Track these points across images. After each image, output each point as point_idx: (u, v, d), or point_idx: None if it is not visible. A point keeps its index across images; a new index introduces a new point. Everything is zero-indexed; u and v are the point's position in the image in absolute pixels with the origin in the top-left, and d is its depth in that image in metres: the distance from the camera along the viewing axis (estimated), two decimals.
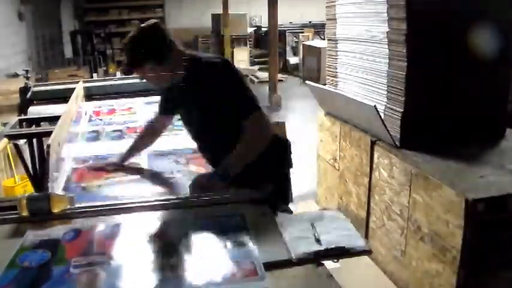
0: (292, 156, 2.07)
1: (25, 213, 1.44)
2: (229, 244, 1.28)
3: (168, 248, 1.28)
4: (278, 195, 1.77)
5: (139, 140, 2.21)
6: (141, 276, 1.16)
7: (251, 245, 1.27)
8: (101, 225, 1.41)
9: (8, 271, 1.18)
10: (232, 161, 1.75)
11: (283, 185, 2.04)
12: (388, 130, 2.64)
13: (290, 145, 2.07)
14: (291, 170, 2.09)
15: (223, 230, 1.37)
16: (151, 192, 1.81)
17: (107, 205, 1.52)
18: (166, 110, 2.17)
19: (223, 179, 1.72)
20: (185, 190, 1.77)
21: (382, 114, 2.75)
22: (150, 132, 2.24)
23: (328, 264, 1.27)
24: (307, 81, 3.69)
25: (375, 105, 2.61)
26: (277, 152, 2.00)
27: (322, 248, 1.24)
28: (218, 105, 1.80)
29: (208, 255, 1.24)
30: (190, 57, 1.89)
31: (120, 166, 2.08)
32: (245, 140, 1.77)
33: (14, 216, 1.46)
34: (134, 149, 2.17)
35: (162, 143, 2.35)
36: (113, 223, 1.42)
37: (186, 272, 1.16)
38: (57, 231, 1.38)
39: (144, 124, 2.33)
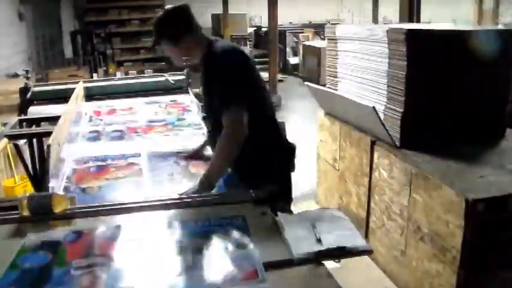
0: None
1: (26, 213, 1.44)
2: (230, 246, 1.28)
3: (168, 250, 1.28)
4: (281, 197, 1.78)
5: None
6: (141, 278, 1.16)
7: (252, 247, 1.26)
8: (101, 227, 1.41)
9: (9, 273, 1.18)
10: (211, 165, 1.80)
11: (286, 187, 2.04)
12: (387, 130, 2.64)
13: (295, 148, 2.08)
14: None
15: (224, 231, 1.37)
16: (151, 194, 1.80)
17: (108, 205, 1.53)
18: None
19: (206, 189, 1.73)
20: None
21: (382, 114, 2.75)
22: None
23: (328, 264, 1.26)
24: (306, 83, 3.69)
25: (373, 106, 2.61)
26: (284, 155, 2.03)
27: (323, 247, 1.24)
28: (213, 94, 1.88)
29: (208, 257, 1.24)
30: (210, 44, 1.96)
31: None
32: (222, 140, 1.79)
33: (15, 216, 1.46)
34: None
35: (162, 143, 2.35)
36: (114, 225, 1.42)
37: (186, 274, 1.16)
38: (58, 233, 1.38)
39: None
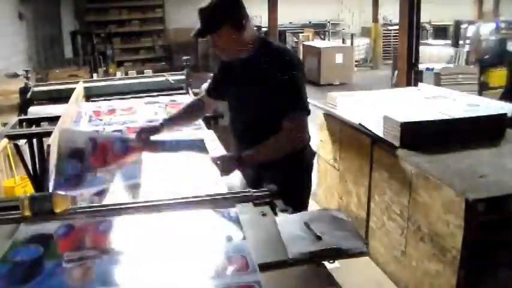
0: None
1: (27, 213, 1.44)
2: (220, 238, 1.28)
3: (160, 243, 1.28)
4: (299, 202, 1.84)
5: (183, 114, 2.24)
6: (132, 270, 1.16)
7: (242, 239, 1.27)
8: (93, 221, 1.40)
9: (0, 266, 1.18)
10: (257, 151, 1.83)
11: (305, 192, 2.07)
12: (382, 137, 2.64)
13: (315, 154, 2.14)
14: None
15: (215, 224, 1.37)
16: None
17: (109, 205, 1.53)
18: (217, 92, 2.15)
19: (240, 165, 1.80)
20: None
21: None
22: (196, 109, 2.26)
23: (329, 264, 1.26)
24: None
25: (359, 123, 2.63)
26: (307, 161, 2.06)
27: (318, 248, 1.23)
28: (272, 94, 1.82)
29: (198, 249, 1.24)
30: (263, 38, 1.96)
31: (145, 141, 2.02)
32: (279, 138, 1.82)
33: (15, 216, 1.46)
34: (175, 121, 2.18)
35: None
36: (106, 219, 1.41)
37: (177, 267, 1.17)
38: (50, 226, 1.38)
39: (191, 100, 2.44)
